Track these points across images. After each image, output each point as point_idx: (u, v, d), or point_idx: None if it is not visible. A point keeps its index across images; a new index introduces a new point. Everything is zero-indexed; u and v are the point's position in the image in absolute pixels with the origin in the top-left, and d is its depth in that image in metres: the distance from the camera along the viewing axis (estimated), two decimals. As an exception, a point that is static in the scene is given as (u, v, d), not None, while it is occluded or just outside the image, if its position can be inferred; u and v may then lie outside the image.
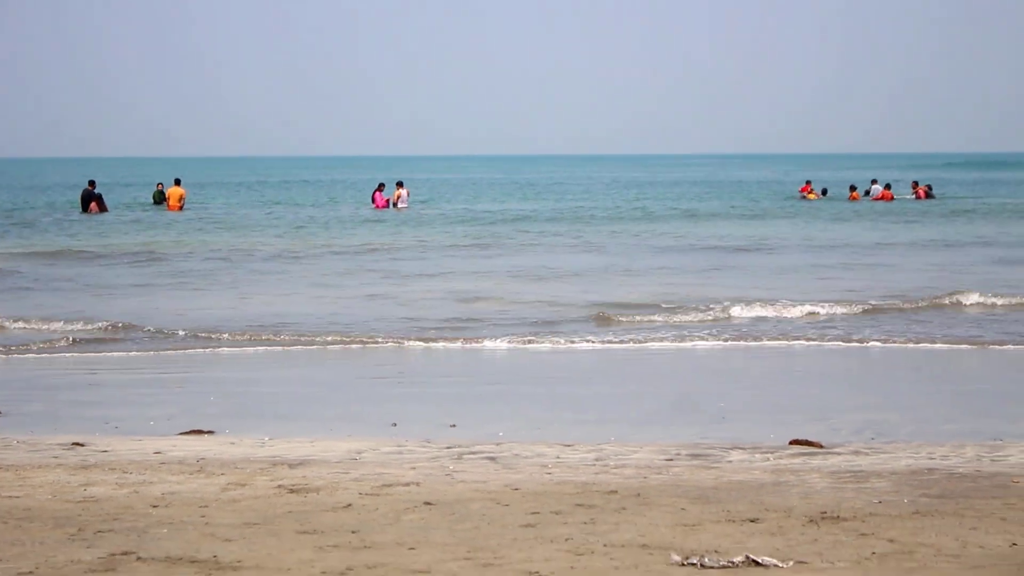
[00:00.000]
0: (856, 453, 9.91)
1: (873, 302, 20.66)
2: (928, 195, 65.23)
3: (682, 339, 17.47)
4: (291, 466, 9.23)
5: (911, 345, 16.73)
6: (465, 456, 9.80)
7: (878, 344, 16.81)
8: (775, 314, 19.80)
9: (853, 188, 65.46)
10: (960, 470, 9.17)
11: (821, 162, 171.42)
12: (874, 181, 68.03)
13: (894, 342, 16.91)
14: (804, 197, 64.76)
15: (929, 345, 16.71)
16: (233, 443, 10.43)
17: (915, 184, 69.05)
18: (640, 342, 17.40)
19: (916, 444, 10.27)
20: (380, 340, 17.39)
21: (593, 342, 17.28)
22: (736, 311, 19.95)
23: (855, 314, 19.75)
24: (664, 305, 20.67)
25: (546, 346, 17.03)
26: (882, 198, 60.83)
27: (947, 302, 20.71)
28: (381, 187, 52.01)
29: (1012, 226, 40.11)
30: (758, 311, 19.98)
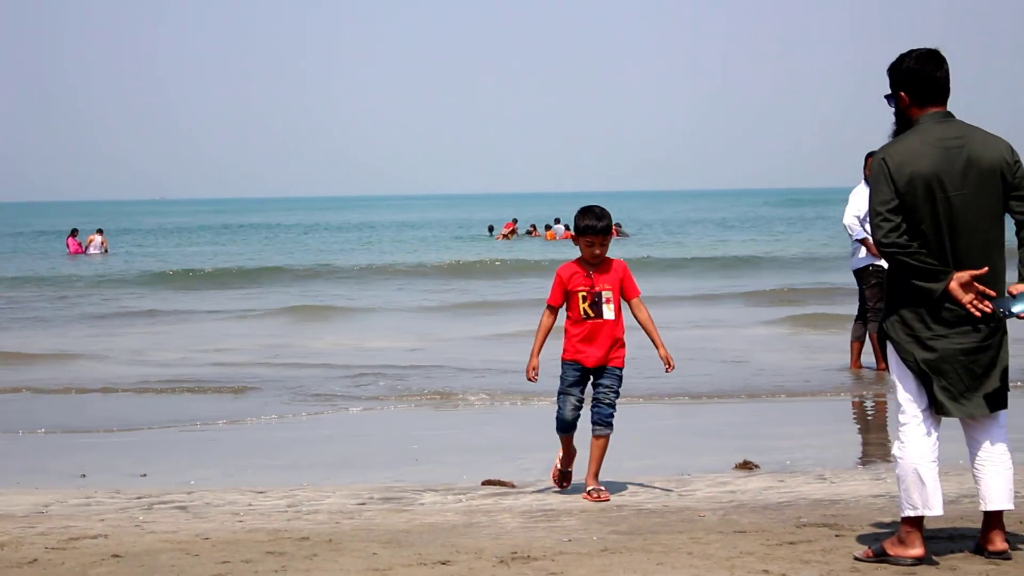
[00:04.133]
0: (547, 492, 10.03)
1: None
2: (619, 233, 66.47)
3: (376, 381, 17.47)
4: (-27, 523, 8.94)
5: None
6: (155, 506, 9.62)
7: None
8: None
9: (548, 227, 66.46)
10: (648, 505, 9.35)
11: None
12: (557, 220, 69.17)
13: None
14: (506, 236, 65.43)
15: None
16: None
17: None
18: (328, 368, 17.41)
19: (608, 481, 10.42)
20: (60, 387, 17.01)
21: (285, 386, 17.15)
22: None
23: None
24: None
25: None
26: (567, 237, 61.91)
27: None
28: (74, 232, 51.37)
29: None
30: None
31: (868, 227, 16.04)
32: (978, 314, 7.13)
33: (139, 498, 9.96)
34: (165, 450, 12.80)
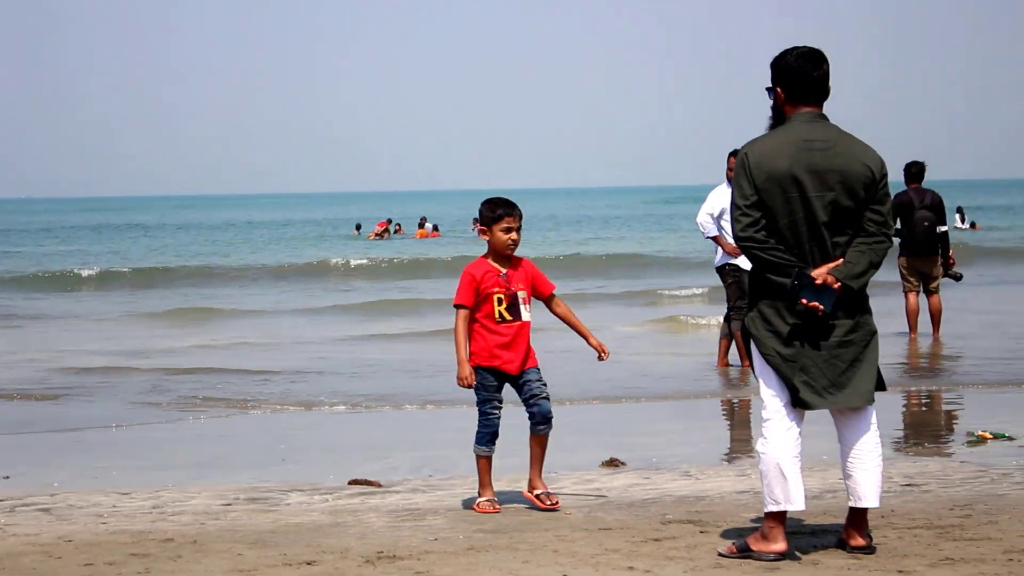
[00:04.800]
0: (414, 491, 10.02)
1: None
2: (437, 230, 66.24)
3: (244, 381, 17.35)
4: None
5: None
6: (18, 509, 9.47)
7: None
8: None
9: (421, 225, 66.26)
10: (515, 503, 9.37)
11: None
12: (424, 219, 68.90)
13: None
14: (379, 235, 65.06)
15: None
16: None
17: (475, 220, 70.34)
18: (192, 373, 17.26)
19: (472, 479, 10.42)
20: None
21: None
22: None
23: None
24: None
25: (104, 391, 16.63)
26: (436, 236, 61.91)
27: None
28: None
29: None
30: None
31: (723, 225, 16.26)
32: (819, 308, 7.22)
33: (1, 501, 9.80)
34: (27, 453, 12.61)
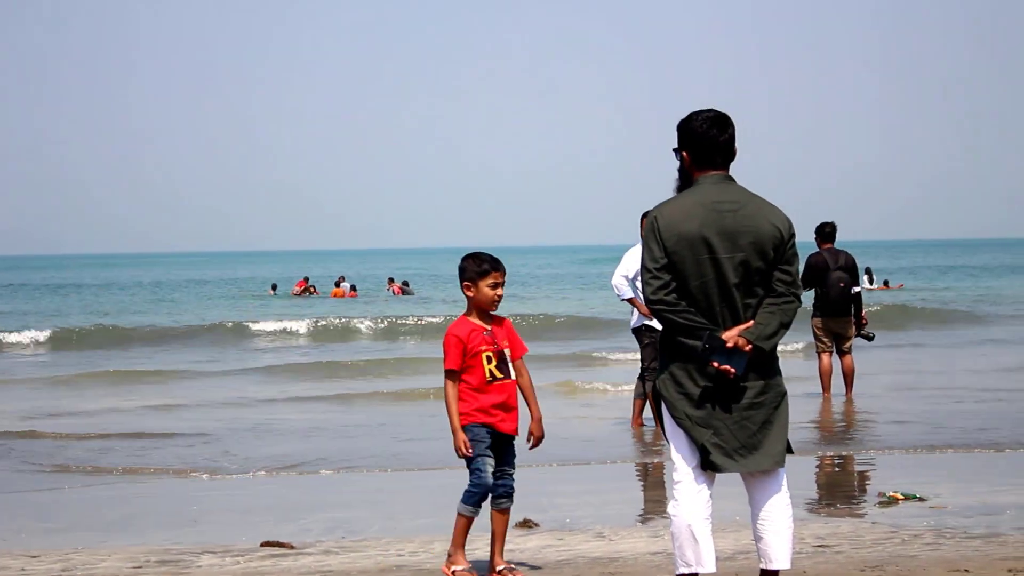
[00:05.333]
0: (327, 552, 9.96)
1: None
2: (404, 291, 66.34)
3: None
4: None
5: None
6: (-77, 572, 9.34)
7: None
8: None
9: (338, 284, 66.08)
10: (427, 566, 9.34)
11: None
12: (341, 278, 68.64)
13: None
14: (299, 294, 64.82)
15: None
16: None
17: (391, 280, 70.13)
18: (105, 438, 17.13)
19: (386, 541, 10.39)
20: None
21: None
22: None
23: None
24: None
25: (13, 452, 16.45)
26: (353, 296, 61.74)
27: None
28: None
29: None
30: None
31: (638, 286, 16.34)
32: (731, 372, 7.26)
33: (-95, 566, 9.66)
34: (-67, 514, 12.43)
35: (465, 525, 8.85)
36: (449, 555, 8.92)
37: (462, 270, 8.88)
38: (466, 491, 8.80)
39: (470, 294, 8.81)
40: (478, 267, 8.82)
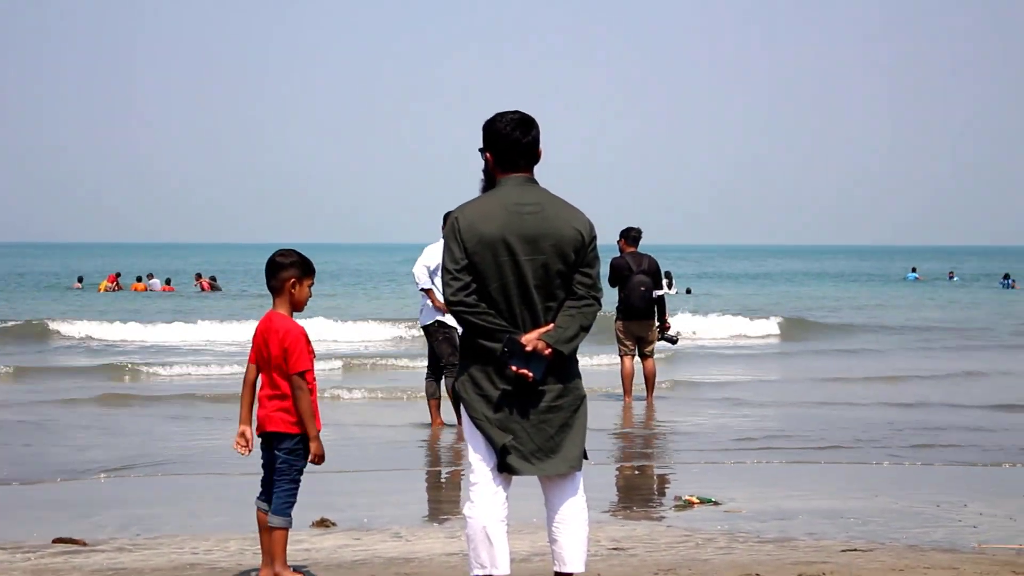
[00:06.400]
0: (120, 550, 9.80)
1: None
2: (213, 287, 65.60)
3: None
4: None
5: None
6: None
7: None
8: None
9: (139, 279, 65.13)
10: (222, 564, 9.24)
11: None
12: (150, 275, 67.55)
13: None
14: (111, 289, 63.66)
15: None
16: None
17: (198, 276, 69.29)
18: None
19: (181, 538, 10.26)
20: None
21: None
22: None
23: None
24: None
25: None
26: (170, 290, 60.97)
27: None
28: None
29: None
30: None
31: (437, 282, 16.37)
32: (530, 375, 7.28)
33: None
34: None
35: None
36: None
37: (290, 265, 8.50)
38: (289, 502, 8.48)
39: (294, 291, 8.49)
40: (308, 265, 8.57)
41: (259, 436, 8.53)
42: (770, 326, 40.63)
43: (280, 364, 8.37)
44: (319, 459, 8.45)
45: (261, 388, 8.50)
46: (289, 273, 8.45)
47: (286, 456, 8.42)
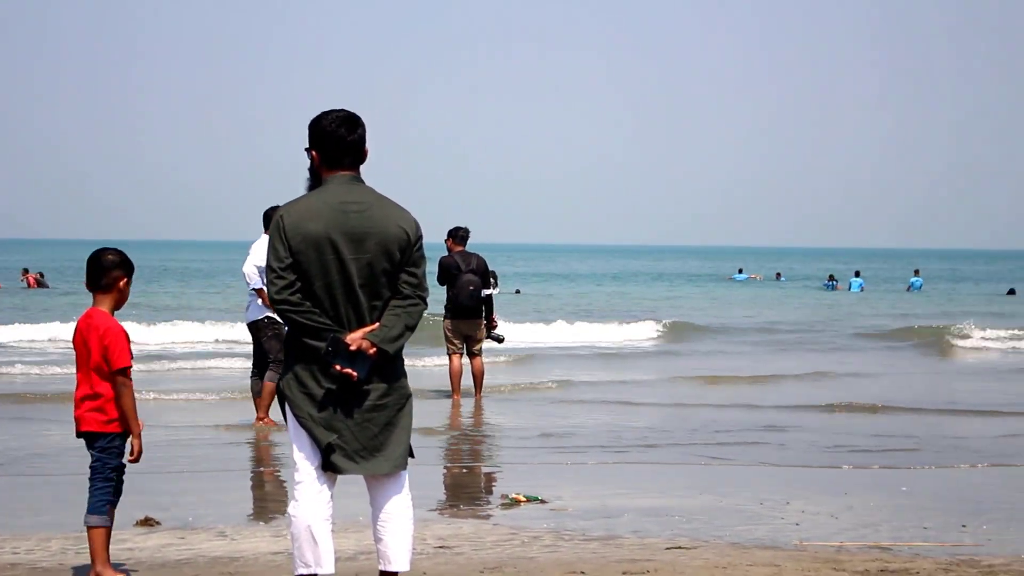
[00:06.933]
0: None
1: None
2: (40, 283, 64.40)
3: None
4: None
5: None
6: None
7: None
8: None
9: (26, 270, 63.59)
10: (43, 564, 9.10)
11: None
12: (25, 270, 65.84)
13: None
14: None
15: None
16: None
17: (25, 271, 68.01)
18: None
19: (1, 538, 10.08)
20: None
21: None
22: None
23: None
24: None
25: None
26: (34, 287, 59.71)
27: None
28: None
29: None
30: None
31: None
32: (354, 374, 7.27)
33: None
34: None
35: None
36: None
37: (121, 263, 8.47)
38: (103, 500, 8.39)
39: (124, 290, 8.49)
40: (132, 264, 8.57)
41: (77, 437, 8.48)
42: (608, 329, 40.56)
43: (100, 363, 8.31)
44: (139, 457, 8.40)
45: (77, 388, 8.44)
46: (121, 271, 8.44)
47: (99, 455, 8.38)
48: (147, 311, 43.88)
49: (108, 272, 8.43)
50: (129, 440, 8.45)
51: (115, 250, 8.54)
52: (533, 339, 35.55)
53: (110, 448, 8.37)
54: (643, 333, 39.22)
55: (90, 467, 8.40)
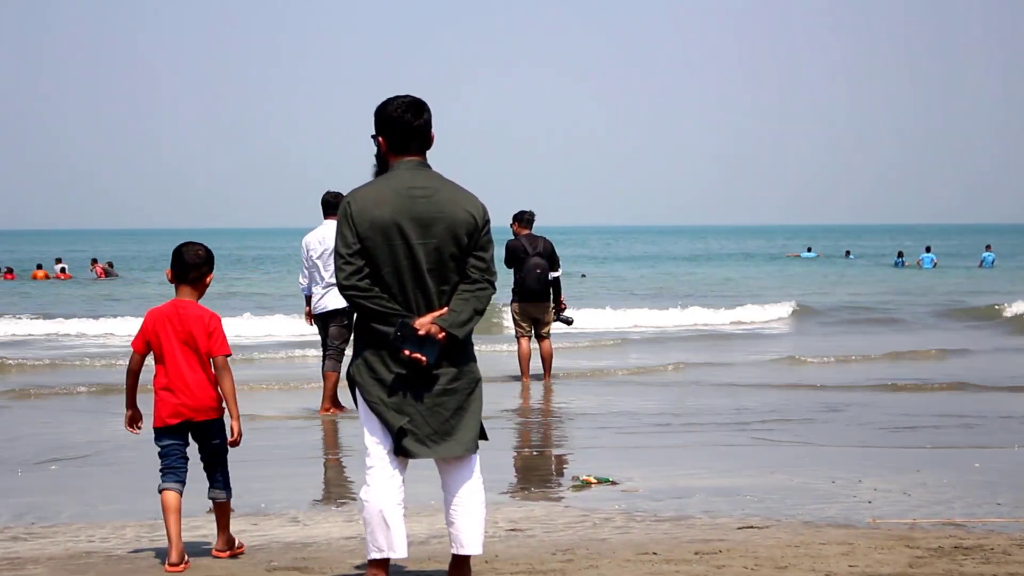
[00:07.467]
0: (15, 539, 9.71)
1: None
2: (108, 273, 64.85)
3: None
4: None
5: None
6: None
7: None
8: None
9: (39, 266, 64.14)
10: (118, 552, 9.17)
11: None
12: (59, 260, 66.50)
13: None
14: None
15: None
16: None
17: (94, 261, 68.43)
18: None
19: (77, 527, 10.17)
20: None
21: None
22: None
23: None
24: None
25: None
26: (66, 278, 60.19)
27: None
28: None
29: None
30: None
31: (318, 263, 16.41)
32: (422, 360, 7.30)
33: None
34: None
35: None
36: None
37: (208, 259, 8.81)
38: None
39: (209, 281, 8.82)
40: (214, 258, 8.89)
41: (187, 424, 8.72)
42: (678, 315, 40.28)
43: (210, 350, 8.63)
44: (239, 439, 8.73)
45: (177, 377, 8.62)
46: (208, 267, 8.75)
47: (219, 440, 8.82)
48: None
49: (199, 267, 8.73)
50: (229, 423, 8.73)
51: (202, 245, 8.83)
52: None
53: (224, 431, 8.79)
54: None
55: (216, 450, 8.79)
